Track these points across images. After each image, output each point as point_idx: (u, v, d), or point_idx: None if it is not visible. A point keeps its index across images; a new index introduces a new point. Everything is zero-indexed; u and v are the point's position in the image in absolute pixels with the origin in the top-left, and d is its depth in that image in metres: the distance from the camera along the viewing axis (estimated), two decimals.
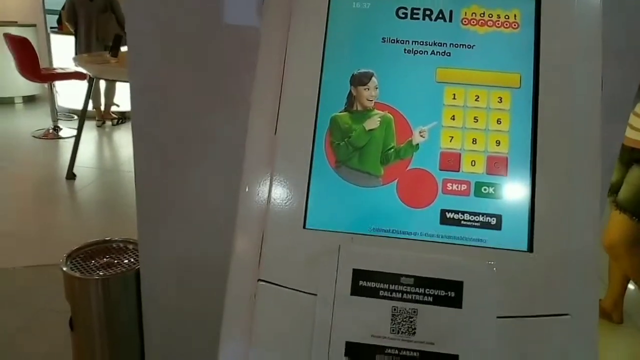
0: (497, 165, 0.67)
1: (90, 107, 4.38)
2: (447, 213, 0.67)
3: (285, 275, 0.66)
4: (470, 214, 0.66)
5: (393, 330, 0.64)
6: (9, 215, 3.29)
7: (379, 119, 0.69)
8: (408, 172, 0.68)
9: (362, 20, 0.71)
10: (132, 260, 1.52)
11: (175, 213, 1.30)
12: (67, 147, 4.52)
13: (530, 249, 0.64)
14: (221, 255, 0.76)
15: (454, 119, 0.69)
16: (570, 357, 0.64)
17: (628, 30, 0.91)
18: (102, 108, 5.47)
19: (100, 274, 1.45)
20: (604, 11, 0.68)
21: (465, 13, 0.70)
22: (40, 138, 4.98)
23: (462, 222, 0.66)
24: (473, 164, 0.68)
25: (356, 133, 0.69)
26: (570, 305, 0.64)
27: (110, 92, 5.40)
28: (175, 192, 1.28)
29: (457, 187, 0.67)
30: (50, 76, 4.94)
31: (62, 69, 5.19)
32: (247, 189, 0.71)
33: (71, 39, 5.41)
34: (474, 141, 0.68)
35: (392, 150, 0.69)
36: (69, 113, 5.71)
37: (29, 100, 6.41)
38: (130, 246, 1.59)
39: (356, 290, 0.64)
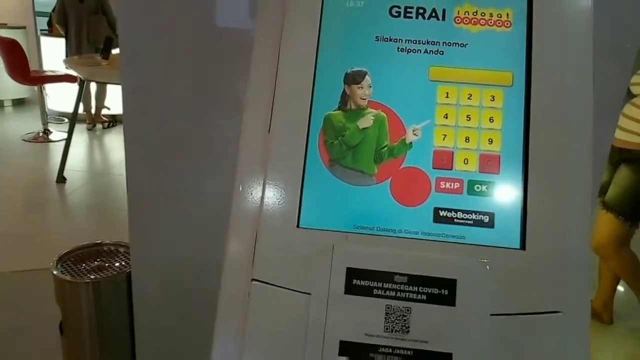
0: (489, 164, 0.67)
1: (80, 110, 4.35)
2: (440, 211, 0.67)
3: (279, 275, 0.66)
4: (463, 212, 0.67)
5: (387, 329, 0.63)
6: None
7: (373, 118, 0.69)
8: (401, 170, 0.68)
9: (356, 19, 0.72)
10: (123, 263, 1.50)
11: (167, 216, 1.29)
12: (57, 150, 4.48)
13: (523, 246, 0.65)
14: (213, 259, 0.76)
15: (447, 118, 0.69)
16: (563, 354, 0.64)
17: (616, 30, 0.92)
18: (93, 111, 5.43)
19: (91, 277, 1.43)
20: (593, 11, 0.69)
21: (458, 12, 0.71)
22: (30, 141, 4.92)
23: (455, 220, 0.66)
24: (466, 162, 0.68)
25: (350, 132, 0.69)
26: (563, 302, 0.64)
27: (101, 95, 5.35)
28: (166, 195, 1.27)
29: (450, 185, 0.67)
30: (40, 79, 4.88)
31: (52, 71, 5.13)
32: (240, 188, 0.70)
33: (62, 42, 5.36)
34: (467, 139, 0.68)
35: (386, 148, 0.69)
36: (59, 116, 5.65)
37: (19, 103, 6.35)
38: (121, 249, 1.57)
39: (350, 289, 0.64)
